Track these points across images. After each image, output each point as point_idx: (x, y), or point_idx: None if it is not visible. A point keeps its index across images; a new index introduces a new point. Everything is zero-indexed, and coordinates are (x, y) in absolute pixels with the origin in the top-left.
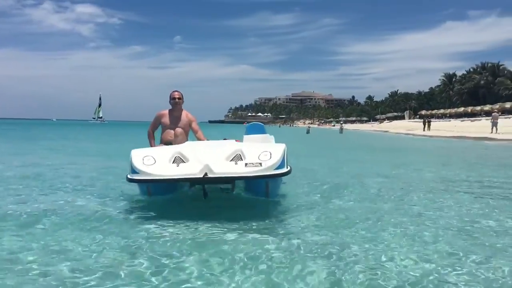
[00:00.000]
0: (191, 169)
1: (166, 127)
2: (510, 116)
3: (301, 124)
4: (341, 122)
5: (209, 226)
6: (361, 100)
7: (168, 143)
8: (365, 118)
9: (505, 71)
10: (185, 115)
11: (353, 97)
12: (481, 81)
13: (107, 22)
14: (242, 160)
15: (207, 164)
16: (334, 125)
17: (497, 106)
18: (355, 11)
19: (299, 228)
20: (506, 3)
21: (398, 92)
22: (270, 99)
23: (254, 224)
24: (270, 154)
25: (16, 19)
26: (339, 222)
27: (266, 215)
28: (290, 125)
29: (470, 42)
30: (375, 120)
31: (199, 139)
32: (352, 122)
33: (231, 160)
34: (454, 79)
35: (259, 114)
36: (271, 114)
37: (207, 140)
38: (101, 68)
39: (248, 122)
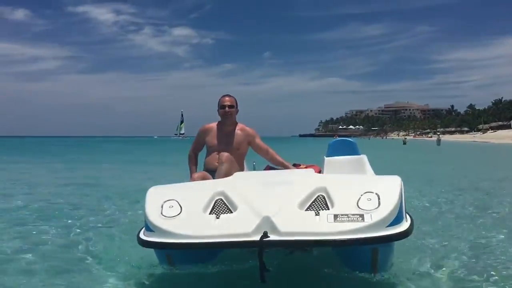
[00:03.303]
0: (239, 225)
1: (212, 148)
2: None
3: (395, 136)
4: (438, 133)
5: None
6: (461, 109)
7: (214, 171)
8: (465, 129)
9: None
10: (240, 130)
11: (452, 106)
12: None
13: (200, 42)
14: (327, 208)
15: (267, 216)
16: (431, 137)
17: None
18: (449, 17)
19: None
20: None
21: (503, 99)
22: (361, 111)
23: None
24: (378, 198)
25: (119, 44)
26: None
27: None
28: (382, 137)
29: None
30: (477, 130)
31: (272, 160)
32: (451, 133)
33: (307, 209)
34: None
35: (351, 126)
36: (362, 126)
37: (284, 162)
38: (195, 87)
39: (339, 136)
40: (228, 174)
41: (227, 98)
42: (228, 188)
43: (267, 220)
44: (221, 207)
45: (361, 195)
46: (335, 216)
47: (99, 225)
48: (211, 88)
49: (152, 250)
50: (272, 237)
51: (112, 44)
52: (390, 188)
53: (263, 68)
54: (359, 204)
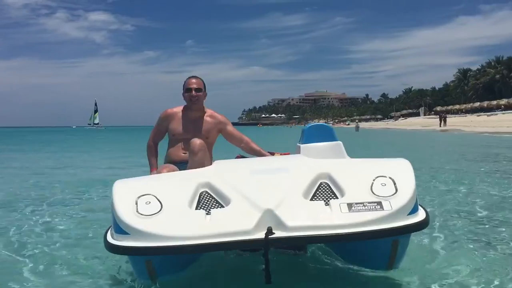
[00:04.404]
0: (237, 222)
1: (176, 136)
2: None
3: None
4: (357, 121)
5: None
6: (375, 98)
7: (179, 163)
8: (379, 116)
9: None
10: (209, 116)
11: (367, 95)
12: (497, 75)
13: (120, 28)
14: (335, 197)
15: (269, 209)
16: (348, 124)
17: None
18: (365, 8)
19: None
20: None
21: (412, 89)
22: (283, 100)
23: None
24: (394, 183)
25: (30, 28)
26: None
27: None
28: (304, 125)
29: (483, 36)
30: (390, 117)
31: (248, 149)
32: (367, 120)
33: (313, 199)
34: (468, 74)
35: (273, 115)
36: (285, 115)
37: (261, 150)
38: (115, 74)
39: (262, 124)
40: (202, 165)
41: (193, 80)
42: (213, 179)
43: (270, 214)
44: (208, 201)
45: (373, 180)
46: (349, 205)
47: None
48: (132, 76)
49: (125, 257)
50: (278, 233)
51: (21, 29)
52: (404, 172)
53: (187, 56)
54: (373, 190)
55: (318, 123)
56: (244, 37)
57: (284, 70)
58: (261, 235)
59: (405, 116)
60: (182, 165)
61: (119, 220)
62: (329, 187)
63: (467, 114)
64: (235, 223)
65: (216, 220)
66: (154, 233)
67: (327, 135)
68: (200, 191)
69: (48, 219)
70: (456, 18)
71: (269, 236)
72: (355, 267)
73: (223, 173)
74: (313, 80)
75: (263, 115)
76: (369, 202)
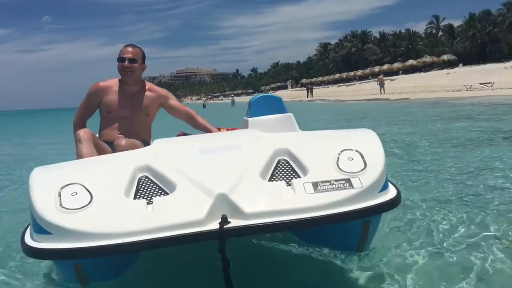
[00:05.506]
0: (186, 211)
1: (111, 114)
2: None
3: (189, 101)
4: (232, 95)
5: None
6: (245, 73)
7: (114, 145)
8: (251, 90)
9: (372, 38)
10: (148, 90)
11: (237, 70)
12: (352, 49)
13: None
14: (297, 175)
15: (222, 193)
16: (222, 99)
17: (367, 70)
18: None
19: None
20: None
21: (280, 63)
22: (154, 78)
23: None
24: (362, 157)
25: None
26: None
27: None
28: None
29: (339, 11)
30: (261, 91)
31: (195, 125)
32: (238, 95)
33: (271, 179)
34: (328, 48)
35: None
36: None
37: (208, 126)
38: None
39: None
40: (138, 144)
41: (129, 49)
42: (154, 161)
43: (223, 199)
44: (149, 187)
45: (339, 154)
46: (315, 185)
47: None
48: None
49: (49, 261)
50: (235, 222)
51: None
52: (371, 144)
53: (43, 33)
54: (340, 166)
55: (267, 94)
56: (107, 13)
57: (153, 47)
58: (214, 225)
59: (274, 89)
60: (118, 148)
61: (38, 217)
62: (289, 164)
63: (329, 85)
64: (182, 212)
65: (159, 210)
66: (82, 230)
67: (276, 107)
68: (139, 176)
69: None
70: None
71: (224, 226)
72: (323, 250)
73: (165, 153)
74: (183, 57)
75: None
76: (336, 180)
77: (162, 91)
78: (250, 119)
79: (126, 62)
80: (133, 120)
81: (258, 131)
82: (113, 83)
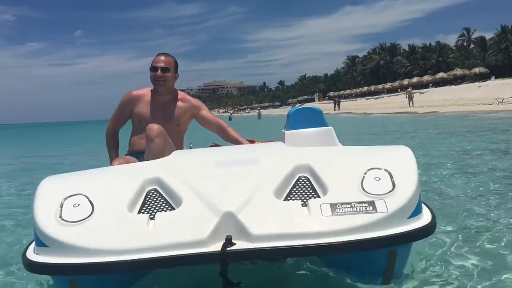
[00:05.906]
0: (188, 229)
1: (142, 123)
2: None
3: (215, 113)
4: (258, 108)
5: None
6: (272, 86)
7: (141, 154)
8: (277, 103)
9: (401, 50)
10: (180, 100)
11: (264, 83)
12: (381, 61)
13: None
14: (316, 195)
15: (229, 212)
16: (249, 112)
17: (396, 83)
18: None
19: None
20: None
21: (307, 76)
22: (183, 90)
23: None
24: (391, 177)
25: None
26: None
27: None
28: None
29: (368, 24)
30: (288, 104)
31: (226, 137)
32: (265, 107)
33: (287, 198)
34: (356, 61)
35: None
36: None
37: (239, 138)
38: None
39: None
40: (161, 154)
41: (162, 58)
42: (165, 173)
43: (230, 219)
44: (156, 202)
45: (365, 173)
46: (333, 206)
47: None
48: (16, 70)
49: (47, 276)
50: (240, 244)
51: None
52: (403, 163)
53: (76, 47)
54: (364, 186)
55: (306, 106)
56: (137, 27)
57: (181, 60)
58: (217, 247)
59: (302, 102)
60: (144, 154)
61: (37, 229)
62: (309, 182)
63: (357, 98)
64: (184, 231)
65: (160, 227)
66: (78, 245)
67: (316, 120)
68: (148, 189)
69: None
70: (343, 7)
71: (227, 249)
72: (347, 279)
73: (178, 166)
74: (211, 70)
75: None
76: (358, 202)
77: (195, 101)
78: (287, 132)
79: (159, 71)
80: (152, 128)
81: (284, 144)
82: (146, 92)
